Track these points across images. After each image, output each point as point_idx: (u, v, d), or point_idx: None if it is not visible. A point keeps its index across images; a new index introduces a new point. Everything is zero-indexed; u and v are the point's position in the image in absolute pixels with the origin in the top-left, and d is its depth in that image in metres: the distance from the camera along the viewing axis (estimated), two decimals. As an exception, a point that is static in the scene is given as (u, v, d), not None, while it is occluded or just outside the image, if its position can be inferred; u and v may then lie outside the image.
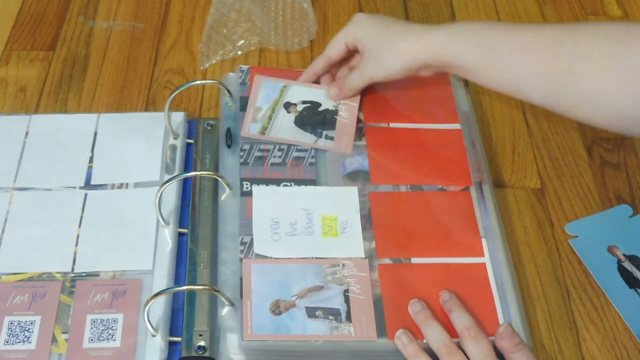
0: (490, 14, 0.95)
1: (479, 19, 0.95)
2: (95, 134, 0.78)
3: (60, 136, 0.77)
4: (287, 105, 0.75)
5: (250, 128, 0.74)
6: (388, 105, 0.77)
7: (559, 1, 0.97)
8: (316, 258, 0.65)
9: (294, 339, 0.60)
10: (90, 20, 0.93)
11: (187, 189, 0.74)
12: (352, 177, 0.71)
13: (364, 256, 0.65)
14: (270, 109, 0.75)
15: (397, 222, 0.68)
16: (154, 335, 0.63)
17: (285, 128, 0.74)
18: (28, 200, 0.72)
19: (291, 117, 0.75)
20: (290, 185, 0.70)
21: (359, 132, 0.74)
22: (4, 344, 0.62)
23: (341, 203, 0.69)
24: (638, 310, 0.67)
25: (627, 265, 0.70)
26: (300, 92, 0.77)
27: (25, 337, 0.63)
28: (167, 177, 0.73)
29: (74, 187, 0.73)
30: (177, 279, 0.68)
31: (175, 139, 0.77)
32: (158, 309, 0.64)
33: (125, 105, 0.83)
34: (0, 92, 0.84)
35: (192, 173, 0.73)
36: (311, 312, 0.61)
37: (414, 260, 0.65)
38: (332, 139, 0.73)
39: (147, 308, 0.60)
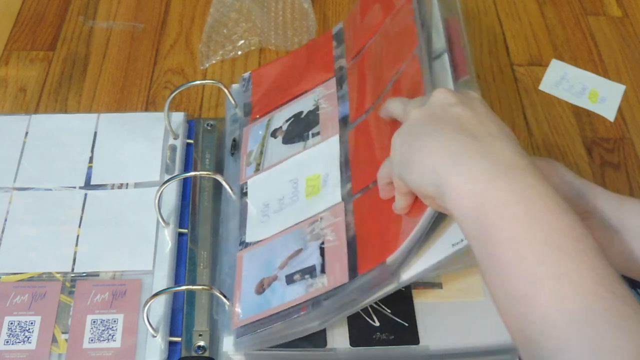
0: (490, 13, 0.95)
1: (479, 19, 0.95)
2: (95, 134, 0.78)
3: (60, 136, 0.77)
4: (274, 133, 0.72)
5: (246, 173, 0.71)
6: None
7: (559, 1, 0.97)
8: (297, 223, 0.62)
9: (274, 311, 0.57)
10: (90, 20, 0.93)
11: (187, 189, 0.74)
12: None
13: (340, 200, 0.61)
14: (260, 145, 0.72)
15: (370, 152, 0.61)
16: (154, 336, 0.63)
17: (276, 153, 0.70)
18: (28, 200, 0.72)
19: (279, 140, 0.71)
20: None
21: (340, 80, 0.70)
22: (4, 344, 0.62)
23: (323, 158, 0.65)
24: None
25: (627, 265, 0.70)
26: (283, 113, 0.73)
27: (26, 337, 0.63)
28: (167, 177, 0.73)
29: (74, 187, 0.73)
30: (177, 279, 0.68)
31: (175, 139, 0.77)
32: (158, 309, 0.64)
33: (125, 105, 0.83)
34: (0, 92, 0.84)
35: (192, 173, 0.73)
36: (290, 279, 0.59)
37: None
38: (318, 133, 0.69)
39: (146, 308, 0.60)
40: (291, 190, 0.65)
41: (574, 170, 0.79)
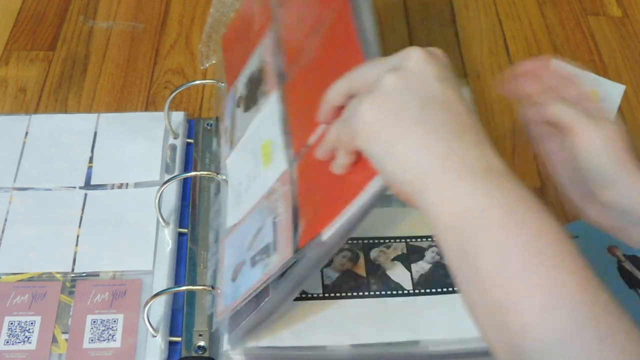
0: (490, 13, 0.95)
1: (478, 19, 0.95)
2: (95, 134, 0.78)
3: (60, 136, 0.77)
4: (238, 102, 0.65)
5: (225, 152, 0.67)
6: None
7: (559, 1, 0.97)
8: (260, 199, 0.57)
9: (242, 299, 0.54)
10: (90, 20, 0.93)
11: (187, 189, 0.74)
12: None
13: (287, 167, 0.55)
14: (231, 118, 0.67)
15: (306, 107, 0.54)
16: (154, 336, 0.62)
17: (242, 124, 0.64)
18: (28, 200, 0.72)
19: (242, 109, 0.65)
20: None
21: (276, 30, 0.63)
22: (4, 344, 0.62)
23: (268, 120, 0.59)
24: (638, 311, 0.67)
25: (627, 265, 0.70)
26: (242, 78, 0.66)
27: (26, 337, 0.63)
28: (167, 177, 0.73)
29: (74, 187, 0.73)
30: (177, 279, 0.68)
31: (175, 138, 0.77)
32: (158, 309, 0.64)
33: (125, 105, 0.83)
34: (0, 92, 0.84)
35: (192, 173, 0.73)
36: (253, 261, 0.54)
37: (309, 141, 0.52)
38: (265, 92, 0.62)
39: (146, 308, 0.60)
40: (253, 163, 0.60)
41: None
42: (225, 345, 0.59)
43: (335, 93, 0.46)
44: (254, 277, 0.53)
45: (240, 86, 0.67)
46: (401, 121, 0.41)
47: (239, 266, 0.57)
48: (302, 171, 0.53)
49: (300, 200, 0.51)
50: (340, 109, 0.46)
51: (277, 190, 0.55)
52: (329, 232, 0.46)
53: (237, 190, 0.62)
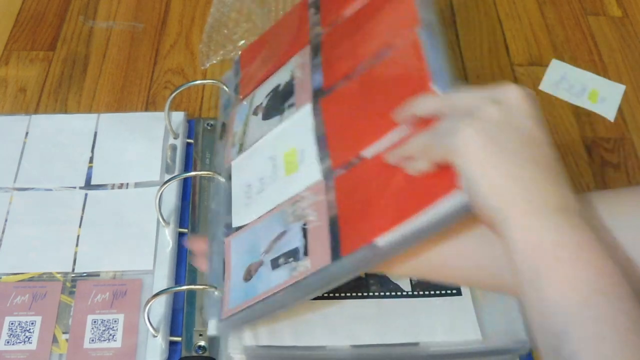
0: (490, 13, 0.95)
1: (478, 19, 0.95)
2: (95, 134, 0.78)
3: (60, 136, 0.77)
4: (256, 110, 0.68)
5: (230, 155, 0.68)
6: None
7: (559, 1, 0.97)
8: (280, 204, 0.58)
9: (261, 298, 0.55)
10: (90, 20, 0.93)
11: (187, 189, 0.74)
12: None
13: (320, 178, 0.56)
14: (243, 124, 0.68)
15: (350, 123, 0.57)
16: (154, 336, 0.63)
17: (257, 131, 0.66)
18: (28, 200, 0.72)
19: (259, 117, 0.67)
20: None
21: (315, 48, 0.65)
22: (5, 344, 0.62)
23: (297, 130, 0.61)
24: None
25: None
26: (264, 89, 0.69)
27: (26, 337, 0.63)
28: (167, 177, 0.73)
29: (74, 187, 0.73)
30: (178, 279, 0.68)
31: (175, 138, 0.77)
32: (158, 309, 0.64)
33: (125, 105, 0.83)
34: (0, 92, 0.84)
35: (192, 173, 0.73)
36: (275, 263, 0.55)
37: (365, 153, 0.54)
38: (293, 105, 0.64)
39: (147, 308, 0.60)
40: (270, 169, 0.61)
41: (574, 170, 0.79)
42: (211, 330, 0.58)
43: (425, 105, 0.50)
44: (277, 279, 0.54)
45: (260, 96, 0.69)
46: (500, 152, 0.45)
47: (254, 267, 0.57)
48: (344, 183, 0.55)
49: (342, 211, 0.53)
50: (421, 122, 0.50)
51: (305, 198, 0.56)
52: (385, 240, 0.48)
53: (246, 192, 0.63)
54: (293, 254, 0.54)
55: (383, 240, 0.48)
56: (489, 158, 0.45)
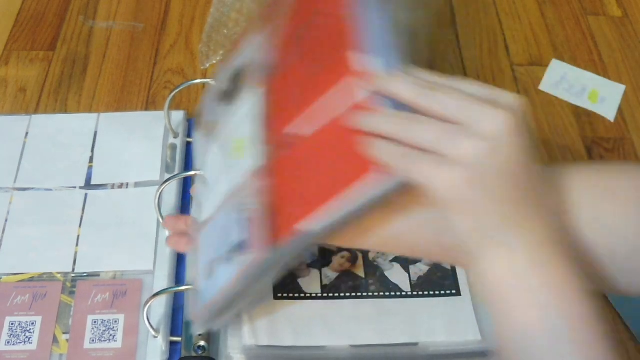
0: (490, 13, 0.95)
1: (478, 19, 0.95)
2: (95, 133, 0.78)
3: (60, 136, 0.77)
4: (221, 96, 0.65)
5: (203, 146, 0.66)
6: None
7: (559, 1, 0.97)
8: (228, 194, 0.57)
9: (221, 295, 0.54)
10: (90, 20, 0.93)
11: (187, 189, 0.74)
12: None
13: (260, 162, 0.54)
14: (212, 111, 0.65)
15: (287, 101, 0.54)
16: (155, 336, 0.63)
17: (222, 118, 0.63)
18: (28, 200, 0.72)
19: (224, 103, 0.64)
20: None
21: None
22: (5, 345, 0.62)
23: (244, 114, 0.59)
24: (638, 311, 0.67)
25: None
26: (226, 72, 0.65)
27: (26, 337, 0.63)
28: (167, 176, 0.73)
29: (74, 187, 0.73)
30: (178, 279, 0.68)
31: (175, 138, 0.77)
32: (159, 309, 0.64)
33: (125, 105, 0.83)
34: (0, 92, 0.84)
35: (192, 172, 0.73)
36: (228, 257, 0.54)
37: (293, 129, 0.52)
38: (244, 86, 0.61)
39: (146, 308, 0.60)
40: (220, 158, 0.60)
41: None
42: (227, 346, 0.59)
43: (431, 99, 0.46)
44: (229, 274, 0.53)
45: (224, 80, 0.65)
46: (480, 198, 0.44)
47: (216, 262, 0.56)
48: (281, 166, 0.52)
49: (278, 195, 0.50)
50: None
51: (248, 185, 0.54)
52: (310, 224, 0.46)
53: (208, 183, 0.62)
54: (240, 246, 0.53)
55: (309, 225, 0.46)
56: (467, 205, 0.44)
